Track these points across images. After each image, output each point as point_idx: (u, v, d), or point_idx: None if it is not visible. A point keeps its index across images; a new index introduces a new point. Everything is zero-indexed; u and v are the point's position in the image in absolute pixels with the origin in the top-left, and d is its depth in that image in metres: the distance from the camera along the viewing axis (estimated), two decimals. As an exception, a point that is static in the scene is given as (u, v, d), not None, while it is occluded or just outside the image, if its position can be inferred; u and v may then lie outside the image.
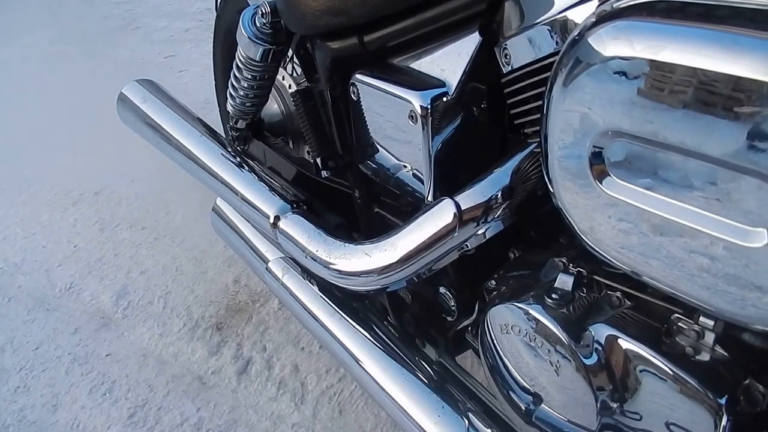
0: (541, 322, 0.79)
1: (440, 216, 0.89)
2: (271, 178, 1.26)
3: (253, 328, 1.81)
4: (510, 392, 0.90)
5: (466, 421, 0.92)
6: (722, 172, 0.53)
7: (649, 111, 0.55)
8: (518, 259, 0.95)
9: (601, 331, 0.76)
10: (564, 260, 0.84)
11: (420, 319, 1.15)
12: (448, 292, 1.04)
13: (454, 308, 1.04)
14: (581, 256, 0.83)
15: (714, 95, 0.50)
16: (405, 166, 1.00)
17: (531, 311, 0.80)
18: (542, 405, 0.87)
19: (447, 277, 1.03)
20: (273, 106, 1.57)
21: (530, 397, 0.88)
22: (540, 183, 0.85)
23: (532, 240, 0.96)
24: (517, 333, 0.83)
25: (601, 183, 0.63)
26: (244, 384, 1.66)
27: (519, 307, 0.82)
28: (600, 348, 0.76)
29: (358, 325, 1.11)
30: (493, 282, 0.94)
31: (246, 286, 1.96)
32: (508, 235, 0.93)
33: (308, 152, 1.22)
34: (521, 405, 0.89)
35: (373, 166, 1.09)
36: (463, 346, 1.15)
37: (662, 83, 0.54)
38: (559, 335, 0.78)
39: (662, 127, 0.55)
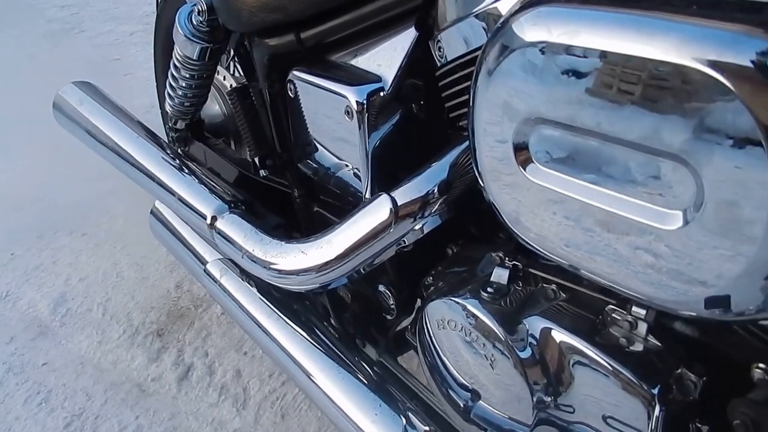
0: (476, 316, 0.79)
1: (376, 212, 0.88)
2: (210, 179, 1.24)
3: (194, 334, 1.77)
4: (449, 390, 0.90)
5: (404, 420, 0.90)
6: (639, 156, 0.53)
7: (567, 96, 0.55)
8: (456, 255, 0.94)
9: (535, 324, 0.76)
10: (501, 254, 0.84)
11: (360, 319, 1.13)
12: (387, 291, 1.03)
13: (393, 307, 1.03)
14: (518, 250, 0.83)
15: (629, 79, 0.50)
16: (343, 164, 0.99)
17: (466, 305, 0.80)
18: (480, 401, 0.86)
19: (386, 275, 1.02)
20: (214, 107, 1.55)
21: (468, 393, 0.87)
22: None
23: (471, 236, 0.95)
24: (453, 328, 0.83)
25: (525, 170, 0.63)
26: (185, 390, 1.61)
27: (455, 302, 0.81)
28: (534, 341, 0.76)
29: (297, 325, 1.09)
30: (431, 278, 0.93)
31: (188, 291, 1.92)
32: (447, 231, 0.93)
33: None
34: (460, 402, 0.88)
35: (312, 164, 1.07)
36: (406, 346, 1.14)
37: (579, 68, 0.54)
38: (494, 329, 0.77)
39: (580, 112, 0.55)
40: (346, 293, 1.13)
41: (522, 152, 0.62)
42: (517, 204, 0.66)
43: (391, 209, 0.87)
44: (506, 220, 0.69)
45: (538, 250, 0.68)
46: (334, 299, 1.15)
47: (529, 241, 0.68)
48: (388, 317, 1.05)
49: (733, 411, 0.63)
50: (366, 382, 0.99)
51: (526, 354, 0.77)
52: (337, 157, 1.00)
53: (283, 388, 1.57)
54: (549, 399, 0.77)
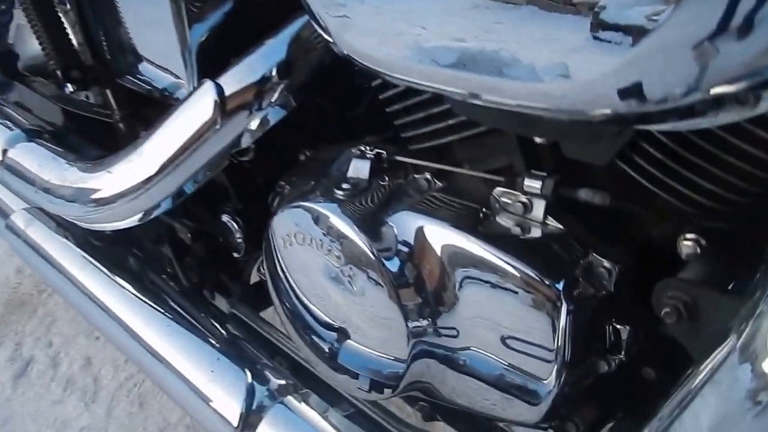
0: (328, 221, 0.59)
1: (196, 105, 0.67)
2: (7, 108, 0.98)
3: (37, 322, 1.51)
4: (312, 336, 0.70)
5: (249, 375, 0.69)
6: None
7: None
8: (309, 159, 0.74)
9: (405, 223, 0.58)
10: (362, 147, 0.64)
11: (204, 264, 0.90)
12: (232, 221, 0.81)
13: (241, 241, 0.81)
14: (385, 140, 0.64)
15: None
16: (166, 71, 0.78)
17: (315, 208, 0.60)
18: (347, 342, 0.66)
19: (228, 201, 0.81)
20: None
21: (333, 334, 0.67)
22: (327, 52, 0.64)
23: (328, 137, 0.75)
24: (302, 242, 0.62)
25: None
26: (22, 389, 1.35)
27: (301, 207, 0.61)
28: (405, 246, 0.58)
29: (124, 280, 0.85)
30: (277, 189, 0.72)
31: (31, 275, 1.63)
32: (299, 133, 0.73)
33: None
34: (325, 347, 0.68)
35: (132, 77, 0.85)
36: (267, 298, 0.93)
37: None
38: (352, 235, 0.58)
39: None
40: (184, 233, 0.90)
41: None
42: (368, 26, 0.46)
43: (215, 100, 0.66)
44: (358, 57, 0.48)
45: (410, 81, 0.47)
46: (173, 243, 0.92)
47: (394, 74, 0.47)
48: (237, 256, 0.83)
49: (660, 298, 0.47)
50: (208, 338, 0.77)
51: (394, 264, 0.57)
52: (156, 64, 0.79)
53: (141, 373, 1.32)
54: (426, 322, 0.58)
